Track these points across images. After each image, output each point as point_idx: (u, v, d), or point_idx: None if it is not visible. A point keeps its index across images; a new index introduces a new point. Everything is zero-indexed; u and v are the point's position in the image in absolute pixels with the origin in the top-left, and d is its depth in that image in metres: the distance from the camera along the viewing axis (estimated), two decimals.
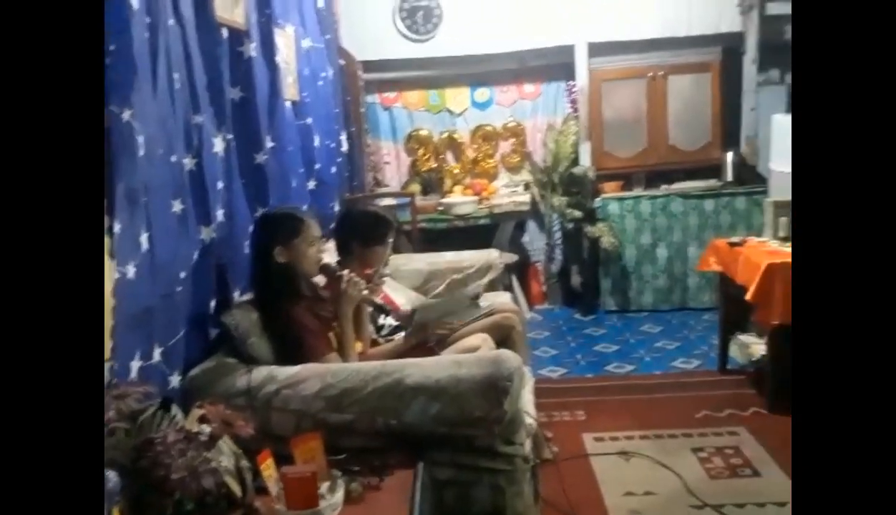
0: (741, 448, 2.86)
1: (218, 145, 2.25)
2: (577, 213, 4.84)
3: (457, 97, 5.28)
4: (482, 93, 5.27)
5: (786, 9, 4.43)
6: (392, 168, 5.39)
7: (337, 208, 3.65)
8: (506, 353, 2.11)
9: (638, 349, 4.21)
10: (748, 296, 3.05)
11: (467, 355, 2.26)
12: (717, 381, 3.59)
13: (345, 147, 4.10)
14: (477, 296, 2.92)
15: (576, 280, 5.17)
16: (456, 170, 5.33)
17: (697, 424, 3.10)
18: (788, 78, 4.70)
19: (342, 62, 4.22)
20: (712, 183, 4.85)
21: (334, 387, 2.01)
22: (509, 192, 5.16)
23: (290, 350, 2.19)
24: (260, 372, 2.06)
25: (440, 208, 4.92)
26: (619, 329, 4.61)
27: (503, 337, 2.77)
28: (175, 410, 1.63)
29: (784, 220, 3.41)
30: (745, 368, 3.53)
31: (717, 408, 3.22)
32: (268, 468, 1.64)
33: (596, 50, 4.88)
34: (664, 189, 4.88)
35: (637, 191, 4.92)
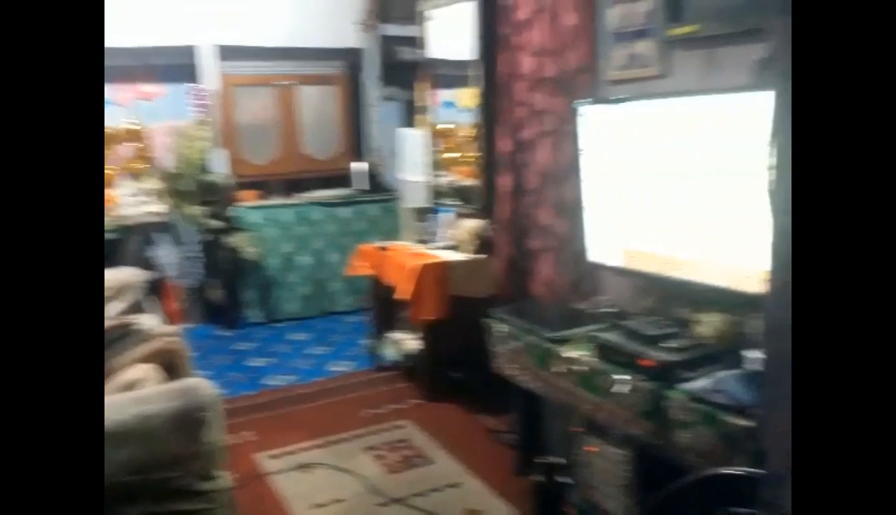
0: (410, 439, 3.08)
1: None
2: (216, 223, 4.63)
3: None
4: None
5: (402, 31, 4.92)
6: None
7: None
8: (197, 381, 1.92)
9: (292, 358, 4.21)
10: (405, 296, 3.30)
11: (153, 389, 2.00)
12: (375, 379, 3.80)
13: None
14: (126, 326, 2.62)
15: (216, 294, 4.93)
16: None
17: (365, 423, 3.24)
18: (404, 94, 5.20)
19: None
20: (346, 191, 5.10)
21: None
22: (136, 202, 4.67)
23: None
24: None
25: None
26: (269, 340, 4.55)
27: (168, 365, 2.51)
28: None
29: (420, 225, 3.77)
30: (398, 364, 3.81)
31: (380, 406, 3.42)
32: None
33: (227, 54, 4.73)
34: (301, 197, 4.96)
35: (276, 200, 4.91)
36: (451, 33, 3.66)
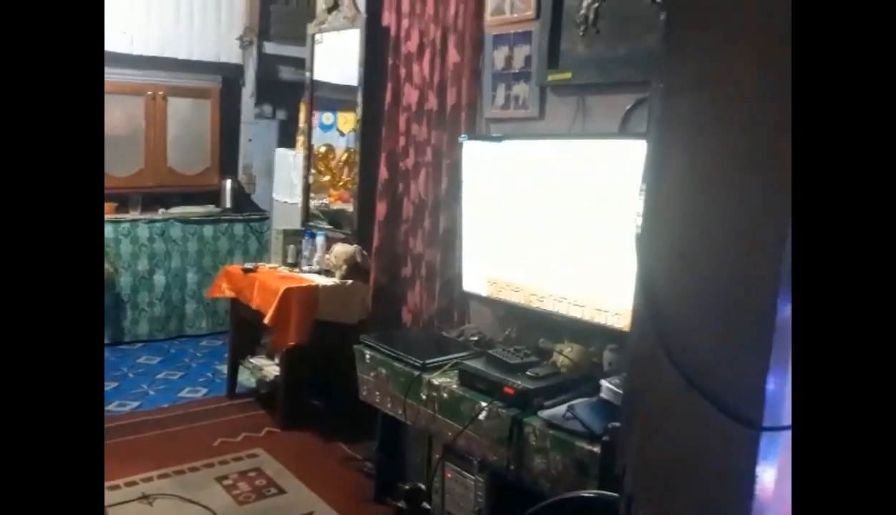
0: (262, 468, 2.94)
1: None
2: None
3: None
4: None
5: (282, 50, 4.84)
6: None
7: None
8: None
9: (139, 383, 3.93)
10: (266, 320, 3.18)
11: None
12: (228, 406, 3.62)
13: None
14: None
15: None
16: None
17: (216, 452, 3.07)
18: (280, 113, 5.11)
19: None
20: (211, 209, 4.89)
21: None
22: None
23: None
24: None
25: None
26: (115, 363, 4.22)
27: None
28: None
29: (292, 247, 3.67)
30: (255, 390, 3.65)
31: (233, 433, 3.25)
32: None
33: None
34: (163, 213, 4.70)
35: (133, 214, 4.62)
36: (337, 58, 3.64)
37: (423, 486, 2.21)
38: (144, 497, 2.65)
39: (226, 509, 2.61)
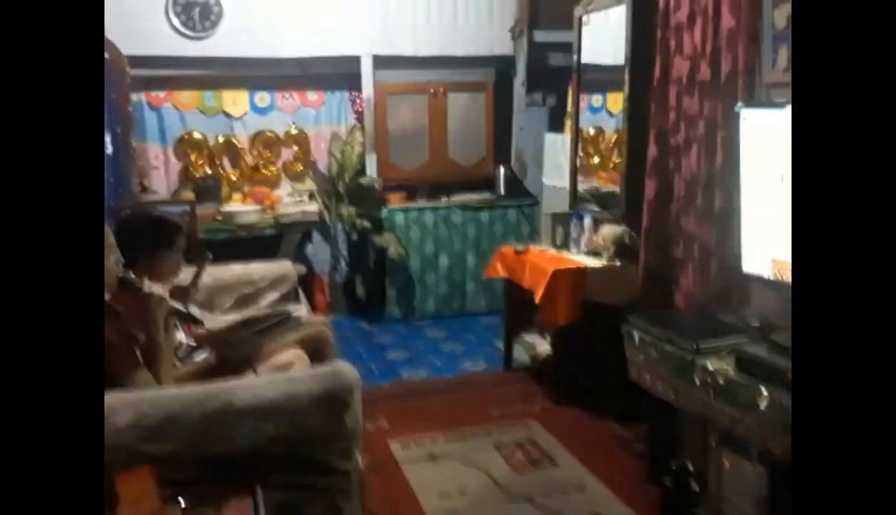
0: (536, 440, 3.09)
1: None
2: (366, 223, 4.88)
3: (235, 100, 5.01)
4: (262, 98, 5.07)
5: (550, 37, 4.93)
6: (160, 173, 4.95)
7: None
8: (343, 365, 2.06)
9: (427, 354, 4.35)
10: (536, 300, 3.32)
11: (303, 371, 2.17)
12: (505, 379, 3.85)
13: (109, 149, 3.70)
14: (286, 314, 2.81)
15: (361, 289, 5.19)
16: (234, 177, 5.06)
17: (494, 421, 3.29)
18: (549, 100, 5.21)
19: (107, 55, 3.80)
20: (487, 195, 5.19)
21: (151, 417, 1.81)
22: (294, 201, 5.03)
23: None
24: None
25: (219, 217, 4.64)
26: (407, 336, 4.73)
27: (316, 350, 2.70)
28: None
29: (560, 229, 3.76)
30: (529, 366, 3.83)
31: (509, 405, 3.46)
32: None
33: (381, 63, 4.97)
34: (445, 201, 5.11)
35: (420, 203, 5.10)
36: (604, 37, 3.64)
37: (691, 466, 2.15)
38: (431, 457, 2.96)
39: (503, 475, 2.80)
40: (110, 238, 2.11)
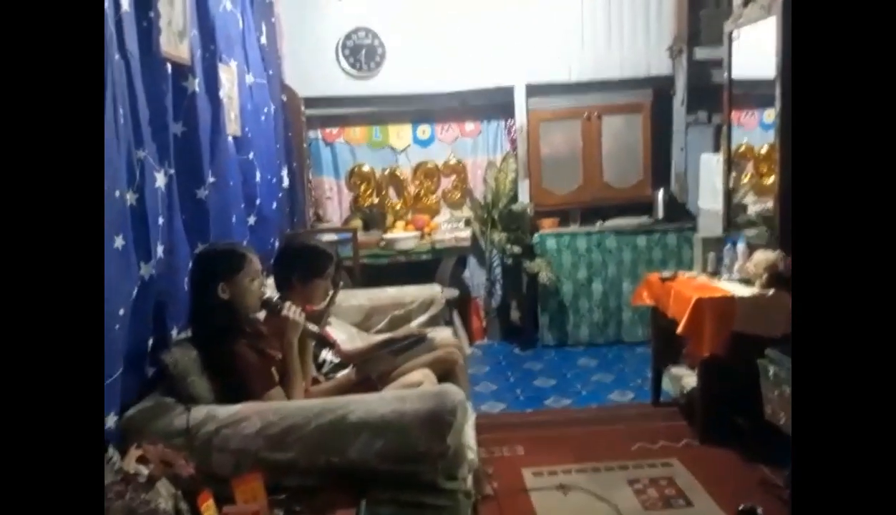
0: (674, 478, 2.94)
1: (160, 180, 2.23)
2: (517, 249, 4.95)
3: (399, 133, 5.34)
4: (424, 131, 5.36)
5: (711, 54, 4.71)
6: (333, 203, 5.40)
7: (277, 244, 3.63)
8: (449, 387, 2.14)
9: (575, 383, 4.29)
10: (679, 330, 3.17)
11: (411, 390, 2.29)
12: (651, 413, 3.70)
13: (286, 182, 4.10)
14: (422, 336, 2.94)
15: (515, 315, 5.25)
16: (398, 206, 5.37)
17: (632, 456, 3.18)
18: (715, 118, 4.96)
19: (284, 98, 4.24)
20: (644, 220, 5.03)
21: (276, 425, 2.00)
22: (451, 228, 5.23)
23: (232, 387, 2.17)
24: (199, 412, 2.03)
25: (382, 243, 4.95)
26: (557, 363, 4.70)
27: (445, 372, 2.80)
28: (112, 451, 1.59)
29: (712, 255, 3.57)
30: (677, 400, 3.65)
31: (651, 440, 3.31)
32: (208, 509, 1.61)
33: (534, 90, 5.05)
34: (599, 225, 5.03)
35: (573, 228, 5.07)
36: (756, 51, 3.43)
37: (760, 510, 1.94)
38: (561, 487, 2.93)
39: (631, 511, 2.70)
40: (256, 264, 2.36)
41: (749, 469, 2.97)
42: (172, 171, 2.32)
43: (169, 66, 2.33)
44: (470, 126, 5.37)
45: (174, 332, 2.33)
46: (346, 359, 2.86)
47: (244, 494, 1.70)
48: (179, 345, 2.24)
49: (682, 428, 3.42)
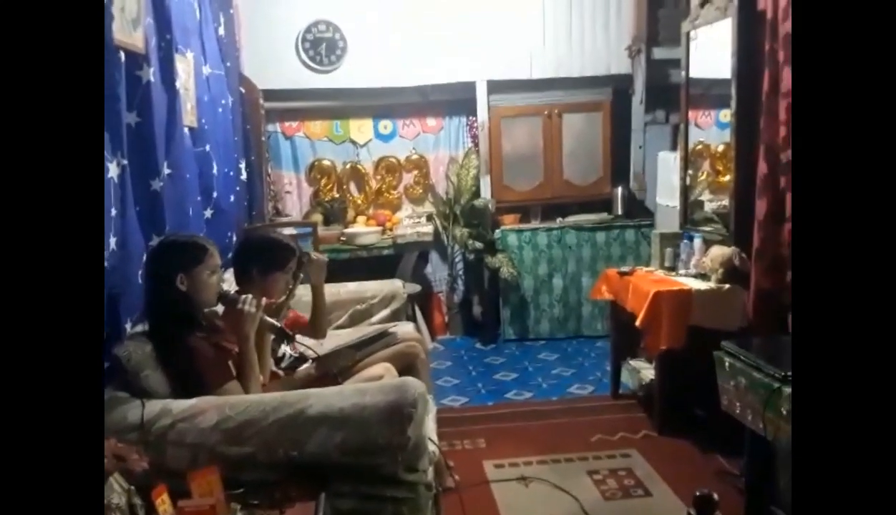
0: (633, 469, 2.99)
1: (112, 170, 2.17)
2: (478, 244, 4.96)
3: (360, 128, 5.31)
4: (386, 126, 5.33)
5: (669, 54, 4.78)
6: (293, 197, 5.33)
7: (234, 238, 3.57)
8: (410, 380, 2.13)
9: (536, 376, 4.32)
10: (637, 323, 3.22)
11: (371, 383, 2.27)
12: (610, 406, 3.75)
13: (244, 175, 4.04)
14: (384, 331, 2.93)
15: (476, 310, 5.27)
16: (359, 201, 5.34)
17: (592, 447, 3.21)
18: (673, 117, 5.04)
19: (243, 90, 4.17)
20: (603, 216, 5.10)
21: (233, 420, 1.96)
22: (412, 223, 5.22)
23: (188, 381, 2.12)
24: (154, 406, 1.99)
25: (343, 238, 4.91)
26: (518, 357, 4.73)
27: (406, 366, 2.79)
28: None
29: (669, 251, 3.63)
30: (635, 392, 3.70)
31: (611, 432, 3.36)
32: (163, 503, 1.58)
33: (495, 87, 5.06)
34: (559, 222, 5.08)
35: (534, 224, 5.10)
36: (712, 51, 3.50)
37: (715, 496, 1.99)
38: (522, 479, 2.95)
39: (592, 502, 2.73)
40: (216, 258, 2.31)
41: (706, 459, 3.03)
42: (125, 162, 2.25)
43: (122, 54, 2.27)
44: (432, 122, 5.36)
45: (128, 326, 2.27)
46: (306, 354, 2.83)
47: (200, 488, 1.66)
48: (134, 339, 2.19)
49: (641, 420, 3.48)
